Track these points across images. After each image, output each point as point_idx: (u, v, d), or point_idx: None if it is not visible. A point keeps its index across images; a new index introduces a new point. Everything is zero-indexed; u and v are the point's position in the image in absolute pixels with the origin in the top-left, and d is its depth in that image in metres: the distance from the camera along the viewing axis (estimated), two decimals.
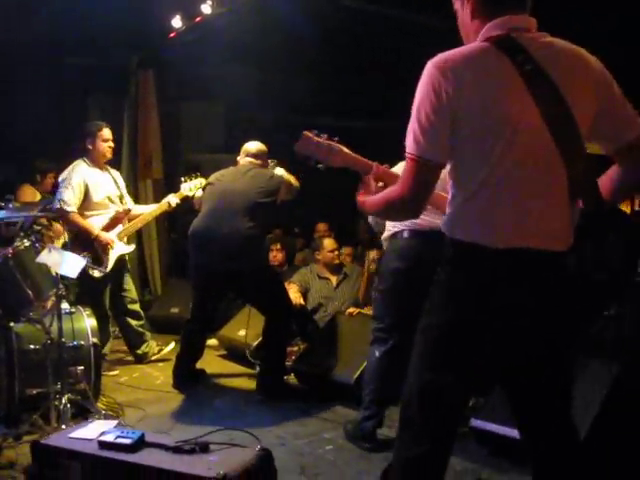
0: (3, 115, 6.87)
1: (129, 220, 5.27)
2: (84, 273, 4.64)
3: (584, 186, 1.94)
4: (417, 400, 2.03)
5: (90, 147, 5.13)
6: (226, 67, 7.47)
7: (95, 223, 5.06)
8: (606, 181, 2.06)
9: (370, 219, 4.15)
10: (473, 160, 1.93)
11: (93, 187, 5.05)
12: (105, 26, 6.40)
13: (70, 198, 4.93)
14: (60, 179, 5.11)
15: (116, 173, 5.43)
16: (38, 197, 6.35)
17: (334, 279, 6.10)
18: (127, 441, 2.45)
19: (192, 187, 5.30)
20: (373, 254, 5.86)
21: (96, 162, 5.15)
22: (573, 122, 1.90)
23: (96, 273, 4.91)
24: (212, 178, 4.91)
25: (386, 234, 3.91)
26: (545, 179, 1.92)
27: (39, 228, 4.54)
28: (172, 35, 7.25)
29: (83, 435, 2.59)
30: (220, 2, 6.65)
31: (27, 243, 4.00)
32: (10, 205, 4.11)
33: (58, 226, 6.32)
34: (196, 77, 7.60)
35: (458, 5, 2.09)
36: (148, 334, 5.58)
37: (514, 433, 3.27)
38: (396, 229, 3.80)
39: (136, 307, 5.40)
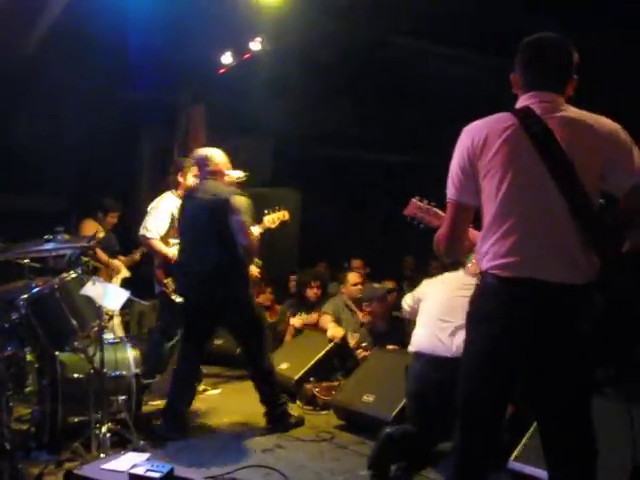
0: (57, 148, 7.12)
1: None
2: (168, 300, 5.06)
3: (595, 234, 2.24)
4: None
5: (181, 180, 5.39)
6: (274, 102, 7.62)
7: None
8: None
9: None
10: (487, 202, 2.37)
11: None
12: (157, 62, 6.63)
13: (153, 226, 5.18)
14: (149, 208, 5.36)
15: None
16: (101, 233, 6.47)
17: (360, 314, 6.14)
18: (156, 475, 2.49)
19: (274, 219, 5.27)
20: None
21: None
22: (574, 173, 2.23)
23: (178, 299, 5.05)
24: None
25: None
26: (549, 221, 2.25)
27: (86, 259, 4.64)
28: (222, 71, 7.46)
29: (115, 467, 2.64)
30: (269, 39, 6.83)
31: (74, 274, 4.11)
32: (59, 237, 4.22)
33: (116, 262, 6.48)
34: (244, 111, 7.76)
35: None
36: (202, 371, 5.66)
37: None
38: None
39: None
